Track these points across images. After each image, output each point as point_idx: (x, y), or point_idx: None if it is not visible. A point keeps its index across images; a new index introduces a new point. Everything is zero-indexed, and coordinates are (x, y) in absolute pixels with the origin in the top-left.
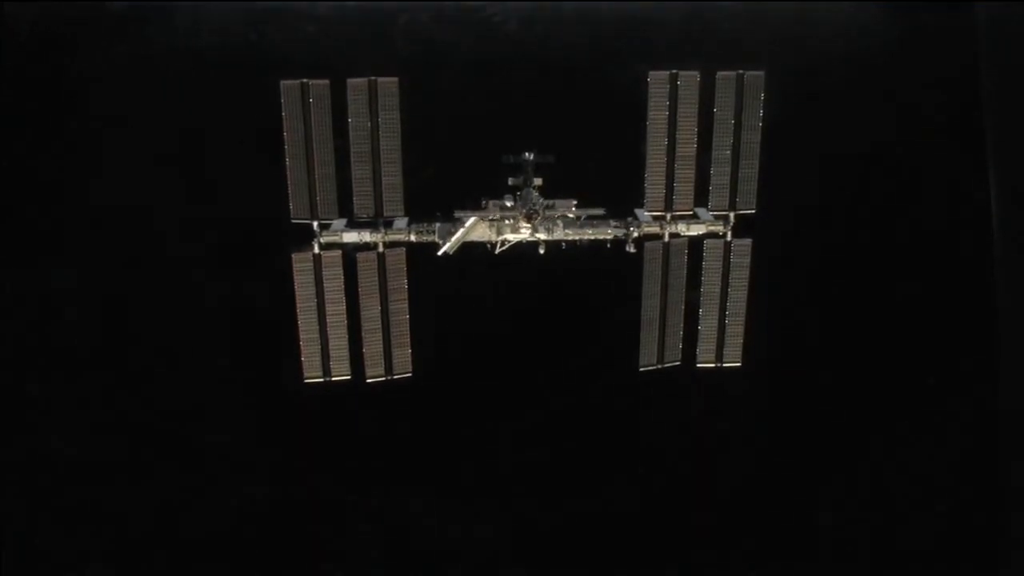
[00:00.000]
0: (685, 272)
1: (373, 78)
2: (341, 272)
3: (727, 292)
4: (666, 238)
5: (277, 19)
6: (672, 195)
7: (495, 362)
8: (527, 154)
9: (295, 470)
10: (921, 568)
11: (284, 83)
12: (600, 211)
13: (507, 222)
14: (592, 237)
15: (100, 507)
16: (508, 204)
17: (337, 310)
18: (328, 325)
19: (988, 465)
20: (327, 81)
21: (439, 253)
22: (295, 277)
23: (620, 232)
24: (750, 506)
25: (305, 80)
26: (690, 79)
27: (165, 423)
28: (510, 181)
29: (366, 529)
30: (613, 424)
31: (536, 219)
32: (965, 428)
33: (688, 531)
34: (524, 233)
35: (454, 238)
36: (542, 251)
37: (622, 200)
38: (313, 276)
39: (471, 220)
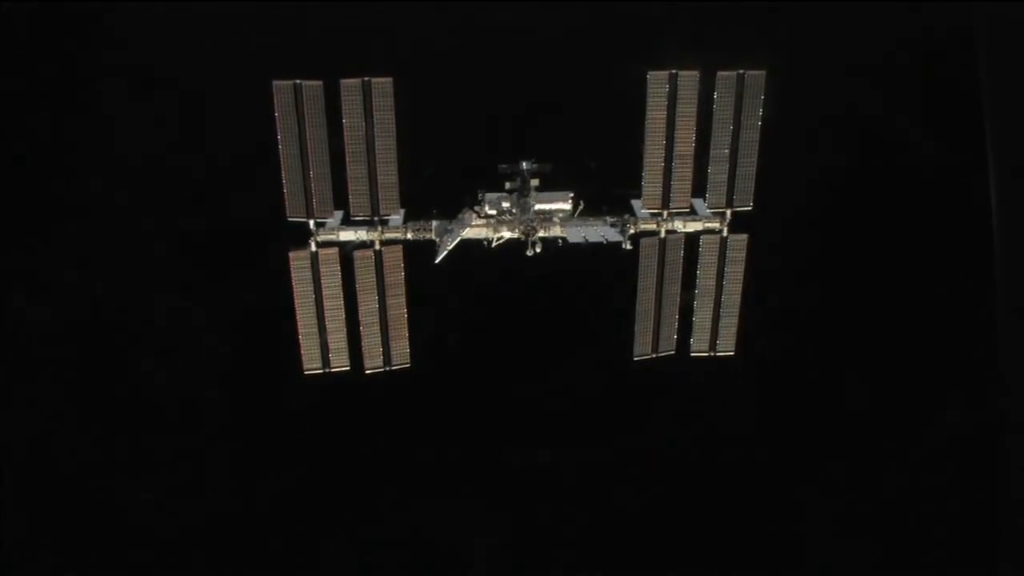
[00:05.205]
0: (681, 267)
1: (367, 79)
2: (339, 269)
3: (722, 286)
4: (662, 235)
5: (277, 19)
6: (669, 192)
7: (492, 354)
8: (524, 163)
9: (294, 464)
10: (919, 564)
11: (276, 83)
12: (599, 220)
13: (503, 221)
14: (588, 239)
15: (99, 505)
16: (505, 204)
17: (335, 305)
18: (326, 319)
19: (987, 462)
20: (320, 82)
21: (436, 261)
22: (293, 274)
23: (617, 230)
24: (748, 502)
25: (297, 80)
26: (689, 78)
27: (164, 420)
28: (507, 186)
29: (365, 520)
30: (610, 415)
31: (533, 236)
32: (964, 423)
33: (686, 526)
34: (520, 232)
35: (451, 245)
36: (538, 249)
37: (619, 199)
38: (311, 273)
39: (466, 229)
